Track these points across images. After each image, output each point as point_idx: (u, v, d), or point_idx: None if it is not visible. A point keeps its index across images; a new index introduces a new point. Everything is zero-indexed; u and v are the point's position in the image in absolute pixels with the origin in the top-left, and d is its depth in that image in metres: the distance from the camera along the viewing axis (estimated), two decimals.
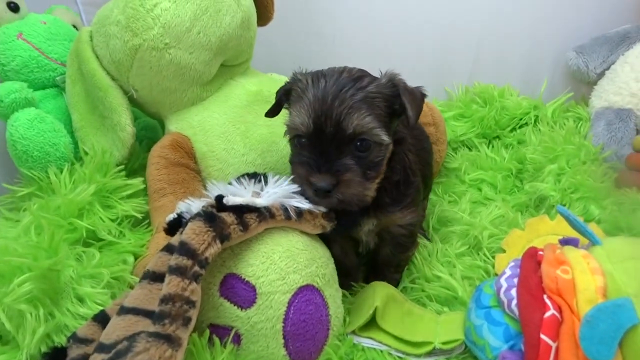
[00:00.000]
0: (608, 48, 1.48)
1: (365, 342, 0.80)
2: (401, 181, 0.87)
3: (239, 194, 0.70)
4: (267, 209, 0.70)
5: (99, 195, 0.91)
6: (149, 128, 1.24)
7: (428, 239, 1.08)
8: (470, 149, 1.48)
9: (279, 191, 0.73)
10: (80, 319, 0.73)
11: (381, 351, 0.79)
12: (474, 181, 1.36)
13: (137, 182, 0.97)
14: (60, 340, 0.70)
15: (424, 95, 0.82)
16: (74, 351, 0.66)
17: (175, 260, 0.61)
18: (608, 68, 1.46)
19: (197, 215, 0.66)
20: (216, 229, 0.64)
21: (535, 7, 1.52)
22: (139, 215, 0.95)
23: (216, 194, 0.71)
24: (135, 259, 0.87)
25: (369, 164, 0.77)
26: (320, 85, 0.75)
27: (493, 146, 1.47)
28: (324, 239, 0.86)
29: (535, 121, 1.47)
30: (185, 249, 0.62)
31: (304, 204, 0.74)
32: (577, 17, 1.54)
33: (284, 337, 0.69)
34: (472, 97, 1.56)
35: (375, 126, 0.74)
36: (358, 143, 0.74)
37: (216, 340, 0.64)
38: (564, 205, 1.08)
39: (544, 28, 1.56)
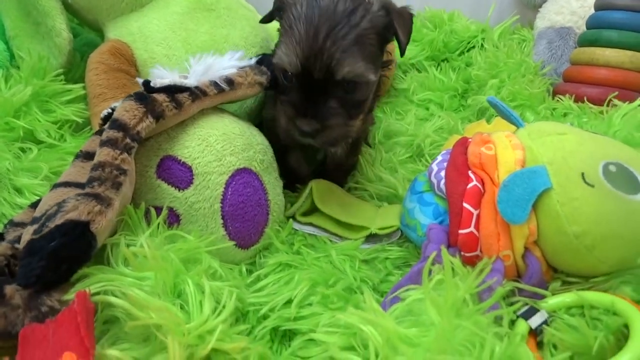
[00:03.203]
0: None
1: (305, 228, 0.83)
2: None
3: (165, 77, 0.70)
4: (198, 87, 0.71)
5: (37, 100, 0.90)
6: (91, 44, 1.19)
7: (370, 146, 1.12)
8: (419, 71, 1.51)
9: (203, 67, 0.73)
10: (18, 209, 0.74)
11: (321, 237, 0.82)
12: (422, 101, 1.40)
13: (77, 88, 0.96)
14: None
15: (412, 16, 0.82)
16: (10, 234, 0.66)
17: (106, 134, 0.61)
18: None
19: (128, 96, 0.66)
20: (147, 105, 0.64)
21: None
22: (80, 120, 0.94)
23: None
24: None
25: (354, 103, 0.77)
26: (314, 18, 0.71)
27: (442, 69, 1.50)
28: (282, 149, 0.88)
29: (482, 44, 1.50)
30: (116, 124, 0.62)
31: (230, 69, 0.75)
32: None
33: (223, 218, 0.71)
34: (423, 21, 1.58)
35: (365, 69, 0.73)
36: (346, 84, 0.74)
37: (153, 213, 0.65)
38: None
39: None
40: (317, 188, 0.87)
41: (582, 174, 0.64)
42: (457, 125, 1.11)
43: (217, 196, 0.71)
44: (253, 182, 0.74)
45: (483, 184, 0.70)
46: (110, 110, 0.76)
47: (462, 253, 0.69)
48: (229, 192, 0.71)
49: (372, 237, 0.84)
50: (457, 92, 1.40)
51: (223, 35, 1.03)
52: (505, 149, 0.72)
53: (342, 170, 1.02)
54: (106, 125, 0.69)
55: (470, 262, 0.69)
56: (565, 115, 1.08)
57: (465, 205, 0.69)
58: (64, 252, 0.50)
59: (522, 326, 0.60)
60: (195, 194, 0.69)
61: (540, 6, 1.53)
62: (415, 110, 1.34)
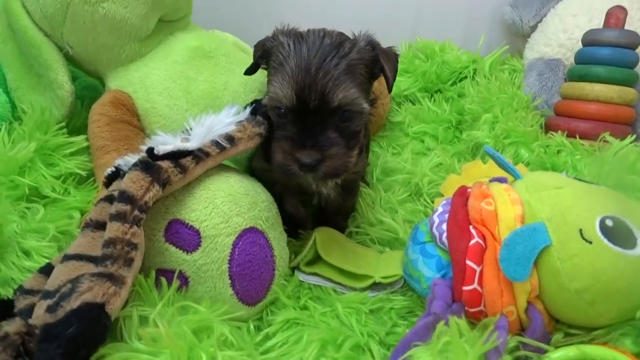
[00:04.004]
0: (540, 1, 1.55)
1: (310, 279, 0.84)
2: None
3: (168, 142, 0.71)
4: (200, 149, 0.72)
5: (41, 153, 0.91)
6: (91, 88, 1.21)
7: (368, 184, 1.13)
8: (413, 103, 1.53)
9: (204, 129, 0.75)
10: (27, 272, 0.74)
11: (326, 288, 0.84)
12: (416, 134, 1.42)
13: (80, 140, 0.96)
14: (7, 293, 0.71)
15: (397, 56, 0.85)
16: (21, 302, 0.66)
17: (115, 207, 0.62)
18: (540, 21, 1.53)
19: (134, 165, 0.68)
20: (153, 174, 0.65)
21: None
22: (84, 173, 0.95)
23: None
24: (82, 215, 0.88)
25: (351, 133, 0.78)
26: (303, 53, 0.74)
27: (435, 100, 1.52)
28: (278, 196, 0.89)
29: (474, 74, 1.52)
30: (124, 197, 0.63)
31: (229, 127, 0.77)
32: None
33: (231, 278, 0.72)
34: (415, 52, 1.60)
35: (358, 96, 0.75)
36: (341, 114, 0.75)
37: (163, 280, 0.66)
38: (497, 150, 1.15)
39: None
40: (320, 238, 0.88)
41: (580, 230, 0.66)
42: (453, 165, 1.14)
43: (225, 257, 0.72)
44: (259, 241, 0.76)
45: (484, 239, 0.72)
46: (114, 169, 0.77)
47: (467, 308, 0.71)
48: (236, 253, 0.73)
49: (375, 285, 0.85)
50: (451, 124, 1.42)
51: (222, 82, 1.04)
52: (505, 204, 0.73)
53: (341, 214, 1.03)
54: (110, 188, 0.71)
55: (475, 317, 0.71)
56: (558, 152, 1.11)
57: (468, 262, 0.70)
58: (82, 338, 0.51)
59: None
60: (203, 256, 0.71)
61: (529, 35, 1.56)
62: (411, 144, 1.36)
